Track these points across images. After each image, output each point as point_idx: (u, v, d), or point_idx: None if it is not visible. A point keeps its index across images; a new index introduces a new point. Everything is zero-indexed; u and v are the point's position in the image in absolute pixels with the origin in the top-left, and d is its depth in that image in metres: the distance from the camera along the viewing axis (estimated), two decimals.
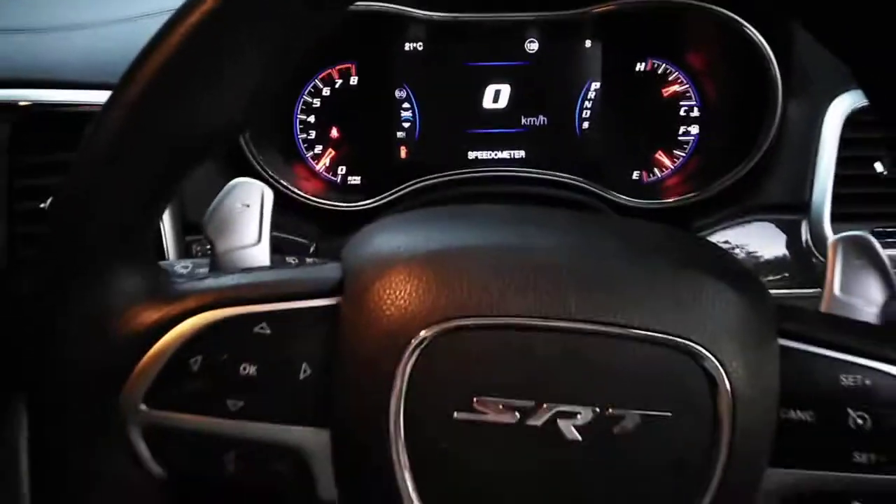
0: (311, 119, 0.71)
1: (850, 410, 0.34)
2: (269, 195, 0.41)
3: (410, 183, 0.69)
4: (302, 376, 0.34)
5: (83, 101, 0.58)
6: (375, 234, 0.37)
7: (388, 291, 0.33)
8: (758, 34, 0.62)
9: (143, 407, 0.34)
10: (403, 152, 0.71)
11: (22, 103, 0.57)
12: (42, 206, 0.56)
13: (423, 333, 0.33)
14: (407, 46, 0.69)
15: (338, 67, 0.71)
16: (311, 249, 0.67)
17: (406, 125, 0.71)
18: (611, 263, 0.34)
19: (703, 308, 0.33)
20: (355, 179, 0.73)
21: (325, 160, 0.72)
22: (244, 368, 0.34)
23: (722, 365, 0.33)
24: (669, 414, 0.33)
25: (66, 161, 0.56)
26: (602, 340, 0.33)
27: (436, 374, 0.33)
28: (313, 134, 0.72)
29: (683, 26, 0.69)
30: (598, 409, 0.33)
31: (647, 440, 0.33)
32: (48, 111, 0.57)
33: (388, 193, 0.69)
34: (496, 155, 0.72)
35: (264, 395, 0.34)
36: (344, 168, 0.73)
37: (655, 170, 0.73)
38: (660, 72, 0.71)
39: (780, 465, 0.34)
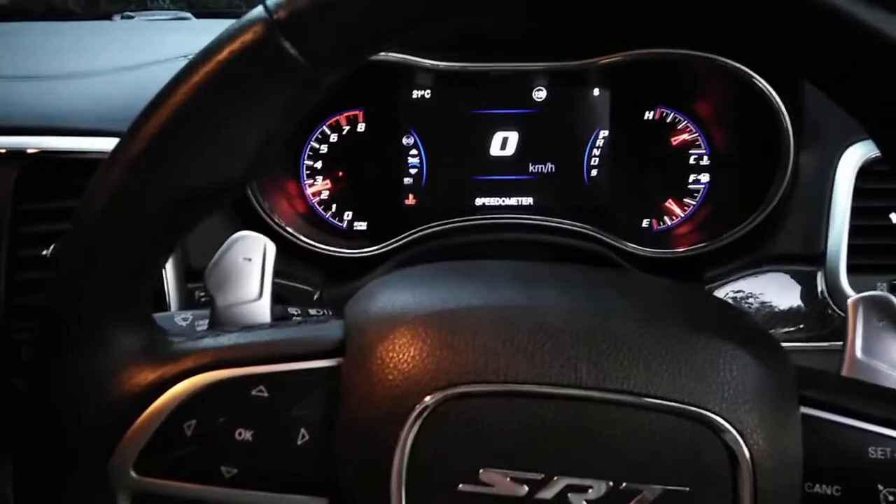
0: (318, 165, 0.71)
1: (880, 486, 0.32)
2: (271, 249, 0.41)
3: (417, 229, 0.68)
4: (300, 442, 0.33)
5: (89, 148, 0.58)
6: (379, 292, 0.36)
7: (391, 354, 0.32)
8: (767, 85, 0.62)
9: (132, 474, 0.33)
10: (410, 199, 0.71)
11: (29, 150, 0.57)
12: (44, 252, 0.56)
13: (426, 400, 0.31)
14: (414, 94, 0.69)
15: (345, 114, 0.71)
16: (315, 297, 0.66)
17: (413, 172, 0.70)
18: (623, 327, 0.33)
19: (720, 375, 0.32)
20: (361, 225, 0.72)
21: (332, 206, 0.72)
22: (240, 433, 0.33)
23: (742, 436, 0.31)
24: (686, 489, 0.31)
25: (70, 208, 0.57)
26: (614, 410, 0.31)
27: (440, 443, 0.31)
28: (319, 180, 0.71)
29: (692, 76, 0.68)
30: (611, 483, 0.31)
31: None
32: (54, 158, 0.57)
33: (394, 240, 0.68)
34: (503, 202, 0.71)
35: (260, 461, 0.33)
36: (350, 214, 0.72)
37: (665, 218, 0.72)
38: (668, 120, 0.71)
39: None
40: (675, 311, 0.35)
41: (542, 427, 0.31)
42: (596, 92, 0.69)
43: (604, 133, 0.70)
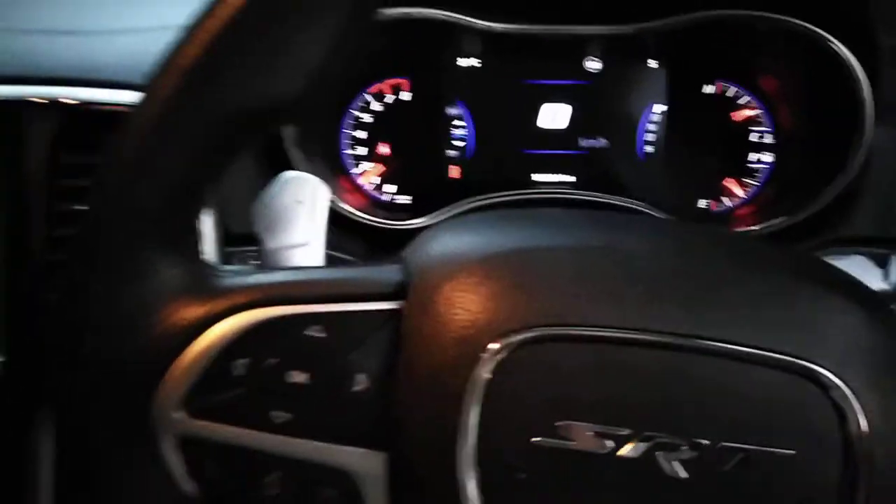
0: (360, 135, 0.68)
1: None
2: (324, 192, 0.38)
3: (460, 203, 0.65)
4: (357, 388, 0.30)
5: (127, 101, 0.56)
6: (443, 234, 0.33)
7: (459, 294, 0.29)
8: (845, 50, 0.58)
9: (178, 414, 0.30)
10: (454, 171, 0.68)
11: (63, 101, 0.55)
12: (80, 207, 0.54)
13: (499, 344, 0.28)
14: (462, 61, 0.66)
15: (388, 82, 0.68)
16: None
17: (458, 143, 0.68)
18: (719, 272, 0.30)
19: (829, 326, 0.28)
20: (403, 198, 0.69)
21: (373, 177, 0.69)
22: (293, 376, 0.30)
23: (854, 395, 0.27)
24: (792, 452, 0.27)
25: None
26: (711, 361, 0.28)
27: (513, 391, 0.28)
28: (361, 150, 0.69)
29: (757, 44, 0.65)
30: (705, 443, 0.27)
31: (763, 482, 0.28)
32: (91, 110, 0.55)
33: (437, 213, 0.65)
34: (552, 177, 0.68)
35: (314, 407, 0.30)
36: (392, 186, 0.69)
37: (724, 199, 0.68)
38: (729, 95, 0.67)
39: None
40: (774, 259, 0.32)
41: (628, 377, 0.28)
42: (652, 63, 0.66)
43: (659, 107, 0.66)
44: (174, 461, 0.30)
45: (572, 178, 0.68)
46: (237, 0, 0.28)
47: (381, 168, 0.69)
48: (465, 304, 0.29)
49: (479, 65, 0.66)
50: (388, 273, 0.32)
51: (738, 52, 0.65)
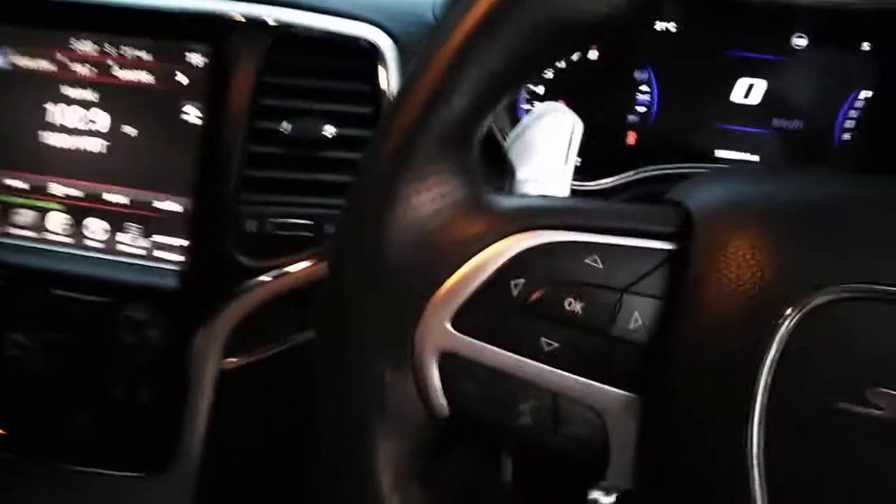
0: (540, 90, 0.67)
1: None
2: (579, 127, 0.37)
3: (640, 170, 0.63)
4: (630, 327, 0.29)
5: (334, 28, 0.56)
6: (724, 181, 0.31)
7: (761, 243, 0.27)
8: None
9: (446, 327, 0.29)
10: (632, 137, 0.66)
11: (272, 22, 0.55)
12: (279, 127, 0.54)
13: (804, 300, 0.26)
14: (659, 25, 0.64)
15: None
16: None
17: (641, 109, 0.65)
18: None
19: None
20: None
21: None
22: (567, 303, 0.29)
23: None
24: None
25: (307, 86, 0.55)
26: None
27: (815, 350, 0.26)
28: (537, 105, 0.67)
29: None
30: None
31: None
32: (299, 35, 0.55)
33: (611, 179, 0.63)
34: (736, 154, 0.64)
35: (582, 340, 0.29)
36: None
37: None
38: None
39: None
40: None
41: None
42: (864, 47, 0.61)
43: (865, 94, 0.62)
44: (432, 374, 0.30)
45: (756, 158, 0.64)
46: None
47: None
48: (768, 256, 0.27)
49: (675, 29, 0.63)
50: (664, 213, 0.30)
51: None
